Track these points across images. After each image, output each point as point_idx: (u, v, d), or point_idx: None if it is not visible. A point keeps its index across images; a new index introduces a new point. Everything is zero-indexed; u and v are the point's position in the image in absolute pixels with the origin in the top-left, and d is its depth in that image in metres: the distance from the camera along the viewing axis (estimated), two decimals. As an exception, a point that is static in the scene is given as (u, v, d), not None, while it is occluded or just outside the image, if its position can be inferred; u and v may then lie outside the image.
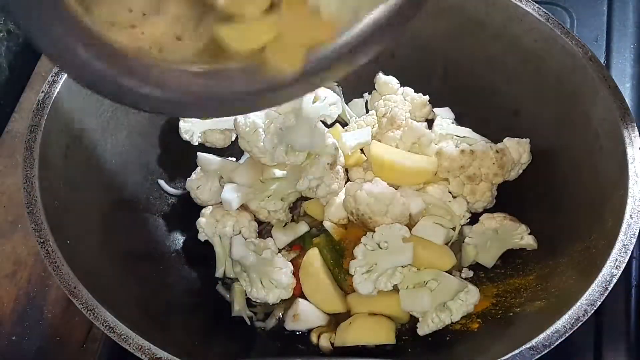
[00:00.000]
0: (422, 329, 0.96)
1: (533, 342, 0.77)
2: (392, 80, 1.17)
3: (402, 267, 0.96)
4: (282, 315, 1.04)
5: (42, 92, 0.92)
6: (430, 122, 1.17)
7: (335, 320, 1.02)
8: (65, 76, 0.94)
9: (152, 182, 1.12)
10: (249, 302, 1.04)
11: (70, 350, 1.05)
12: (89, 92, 0.97)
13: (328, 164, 1.00)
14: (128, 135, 1.07)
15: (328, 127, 1.14)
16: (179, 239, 1.12)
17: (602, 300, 0.80)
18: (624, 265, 0.81)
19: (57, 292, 1.09)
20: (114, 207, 1.02)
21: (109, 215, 1.00)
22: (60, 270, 0.80)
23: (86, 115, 0.98)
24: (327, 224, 1.07)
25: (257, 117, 1.04)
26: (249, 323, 1.01)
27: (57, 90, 0.93)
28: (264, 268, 0.98)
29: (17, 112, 1.31)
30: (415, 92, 1.18)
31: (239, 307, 1.03)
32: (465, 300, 0.95)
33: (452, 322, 0.95)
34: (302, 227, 1.09)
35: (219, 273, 1.06)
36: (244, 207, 1.06)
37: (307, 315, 1.01)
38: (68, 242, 0.86)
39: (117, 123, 1.05)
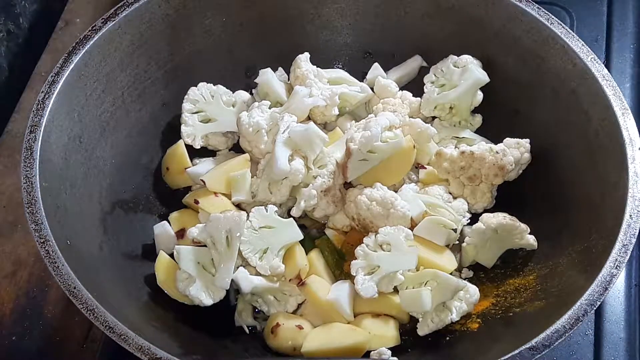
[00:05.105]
0: (422, 329, 0.96)
1: (533, 342, 0.77)
2: (391, 84, 1.16)
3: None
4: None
5: (42, 92, 0.92)
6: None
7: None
8: (65, 76, 0.94)
9: (152, 182, 1.11)
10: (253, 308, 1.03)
11: (70, 350, 1.05)
12: (89, 92, 0.99)
13: (322, 191, 1.01)
14: (128, 135, 1.07)
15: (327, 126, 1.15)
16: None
17: (602, 300, 0.80)
18: (624, 265, 0.82)
19: (57, 292, 1.09)
20: (114, 207, 1.02)
21: (109, 215, 1.01)
22: (60, 270, 0.80)
23: (86, 115, 0.98)
24: (329, 232, 1.06)
25: (261, 118, 1.04)
26: (247, 332, 1.01)
27: (57, 90, 0.93)
28: (274, 285, 0.98)
29: (17, 112, 1.31)
30: (416, 90, 1.17)
31: (242, 320, 1.02)
32: (465, 300, 0.95)
33: (452, 322, 0.95)
34: None
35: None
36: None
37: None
38: (68, 242, 0.86)
39: (117, 123, 1.05)
